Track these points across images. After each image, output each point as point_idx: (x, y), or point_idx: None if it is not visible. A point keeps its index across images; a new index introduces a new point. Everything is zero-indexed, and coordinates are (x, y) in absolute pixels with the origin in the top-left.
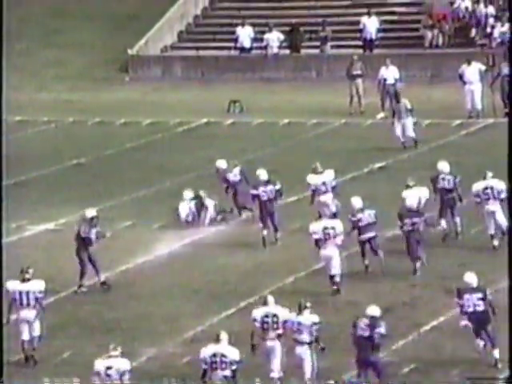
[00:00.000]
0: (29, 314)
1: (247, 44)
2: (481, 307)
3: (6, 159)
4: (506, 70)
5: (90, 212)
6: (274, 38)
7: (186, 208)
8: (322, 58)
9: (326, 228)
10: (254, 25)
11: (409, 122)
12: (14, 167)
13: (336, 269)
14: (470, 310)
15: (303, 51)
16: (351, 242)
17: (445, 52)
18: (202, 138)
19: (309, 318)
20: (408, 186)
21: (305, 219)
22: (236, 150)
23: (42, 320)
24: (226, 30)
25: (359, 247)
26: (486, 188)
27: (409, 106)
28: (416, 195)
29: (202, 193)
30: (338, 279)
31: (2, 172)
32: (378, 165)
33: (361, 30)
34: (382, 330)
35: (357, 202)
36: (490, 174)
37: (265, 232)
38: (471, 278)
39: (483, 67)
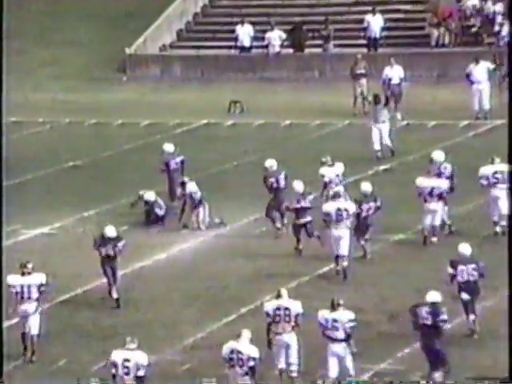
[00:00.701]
0: (29, 307)
1: (247, 43)
2: (474, 277)
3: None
4: None
5: (111, 231)
6: (276, 36)
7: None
8: (324, 57)
9: (339, 209)
10: (255, 23)
11: (385, 127)
12: (8, 169)
13: (344, 250)
14: (464, 279)
15: (306, 50)
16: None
17: (452, 51)
18: (202, 139)
19: (344, 314)
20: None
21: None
22: (237, 152)
23: (41, 316)
24: (227, 28)
25: (293, 231)
26: (496, 172)
27: (399, 117)
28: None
29: (145, 194)
30: (345, 263)
31: (2, 174)
32: (382, 167)
33: (365, 29)
34: (444, 316)
35: (299, 186)
36: (497, 160)
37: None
38: (466, 249)
39: (491, 66)
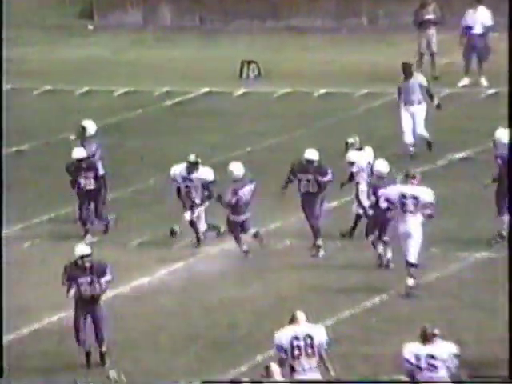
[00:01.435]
0: None
1: None
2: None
3: None
4: None
5: (83, 250)
6: None
7: None
8: None
9: (404, 196)
10: None
11: (420, 111)
12: None
13: (413, 255)
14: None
15: None
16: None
17: None
18: (201, 115)
19: (444, 348)
20: None
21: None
22: (251, 134)
23: None
24: None
25: (228, 229)
26: None
27: (424, 84)
28: None
29: None
30: (411, 282)
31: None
32: (458, 155)
33: None
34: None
35: (238, 170)
36: None
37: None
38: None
39: None
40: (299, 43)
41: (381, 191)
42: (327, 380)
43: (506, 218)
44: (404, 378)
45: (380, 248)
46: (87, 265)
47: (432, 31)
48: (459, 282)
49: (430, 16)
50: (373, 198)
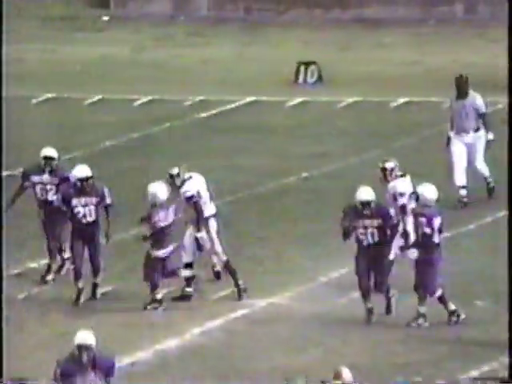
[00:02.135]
0: None
1: None
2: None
3: None
4: None
5: (85, 338)
6: None
7: None
8: None
9: None
10: None
11: (478, 140)
12: None
13: None
14: None
15: None
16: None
17: None
18: (245, 131)
19: None
20: None
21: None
22: (308, 156)
23: None
24: None
25: (151, 269)
26: None
27: (481, 107)
28: None
29: None
30: None
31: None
32: None
33: None
34: None
35: (160, 191)
36: None
37: None
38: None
39: None
40: (372, 39)
41: None
42: None
43: None
44: None
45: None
46: (85, 359)
47: None
48: None
49: None
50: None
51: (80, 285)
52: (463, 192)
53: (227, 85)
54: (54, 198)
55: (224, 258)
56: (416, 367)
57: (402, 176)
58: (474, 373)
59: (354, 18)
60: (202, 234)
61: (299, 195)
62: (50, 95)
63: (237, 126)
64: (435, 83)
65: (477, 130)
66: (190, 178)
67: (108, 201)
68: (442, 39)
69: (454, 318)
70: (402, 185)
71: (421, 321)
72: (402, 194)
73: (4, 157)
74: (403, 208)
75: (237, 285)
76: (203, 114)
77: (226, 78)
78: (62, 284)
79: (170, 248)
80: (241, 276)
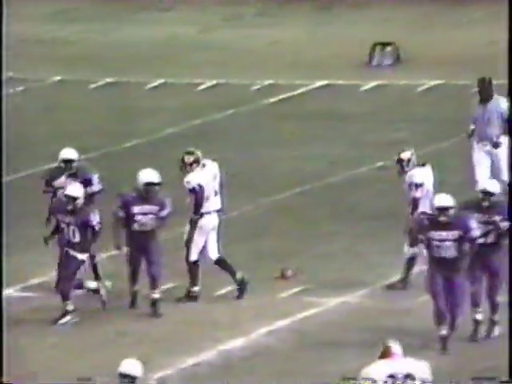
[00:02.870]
0: None
1: None
2: None
3: None
4: None
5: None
6: None
7: None
8: None
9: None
10: None
11: (502, 150)
12: None
13: None
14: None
15: None
16: None
17: None
18: (315, 118)
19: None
20: None
21: None
22: (383, 144)
23: None
24: None
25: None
26: None
27: (505, 111)
28: None
29: None
30: None
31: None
32: None
33: None
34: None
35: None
36: None
37: None
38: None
39: None
40: (453, 18)
41: None
42: None
43: None
44: None
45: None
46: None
47: None
48: None
49: None
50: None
51: (135, 288)
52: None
53: (297, 68)
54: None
55: (214, 256)
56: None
57: (421, 165)
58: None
59: None
60: (187, 228)
61: (373, 186)
62: (108, 79)
63: (307, 113)
64: None
65: (500, 137)
66: (203, 166)
67: (165, 212)
68: None
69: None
70: (420, 174)
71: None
72: (418, 185)
73: (59, 143)
74: (415, 201)
75: (236, 282)
76: (271, 100)
77: (297, 61)
78: (122, 281)
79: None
80: (309, 273)
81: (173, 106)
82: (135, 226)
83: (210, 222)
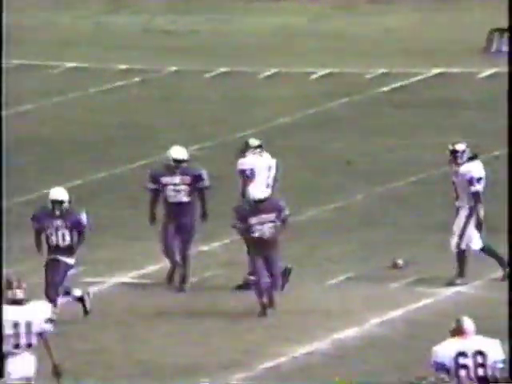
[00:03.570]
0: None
1: None
2: None
3: None
4: None
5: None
6: None
7: None
8: None
9: None
10: None
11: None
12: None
13: None
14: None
15: None
16: None
17: None
18: (432, 106)
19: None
20: None
21: None
22: (501, 132)
23: None
24: None
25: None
26: None
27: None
28: None
29: None
30: None
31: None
32: None
33: None
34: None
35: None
36: None
37: None
38: None
39: None
40: None
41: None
42: None
43: None
44: None
45: None
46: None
47: None
48: None
49: None
50: None
51: (175, 258)
52: None
53: (412, 55)
54: (186, 199)
55: None
56: None
57: (472, 159)
58: None
59: None
60: None
61: (490, 175)
62: (223, 69)
63: (422, 101)
64: None
65: None
66: (261, 155)
67: (206, 183)
68: None
69: None
70: (479, 169)
71: None
72: (479, 180)
73: (174, 133)
74: (477, 195)
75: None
76: (385, 88)
77: (411, 48)
78: (232, 271)
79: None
80: (422, 263)
81: (286, 95)
82: (170, 197)
83: None
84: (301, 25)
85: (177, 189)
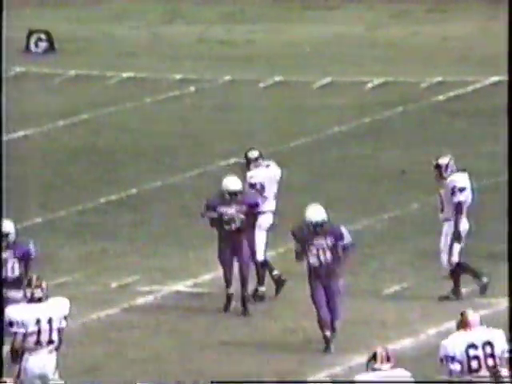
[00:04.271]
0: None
1: None
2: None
3: None
4: None
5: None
6: None
7: None
8: None
9: None
10: None
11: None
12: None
13: None
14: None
15: None
16: None
17: None
18: (487, 114)
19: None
20: None
21: None
22: None
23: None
24: None
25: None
26: None
27: None
28: None
29: None
30: None
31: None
32: None
33: None
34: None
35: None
36: None
37: None
38: None
39: None
40: None
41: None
42: None
43: None
44: None
45: None
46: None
47: None
48: None
49: None
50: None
51: (230, 291)
52: None
53: (468, 64)
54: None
55: (261, 257)
56: None
57: (462, 171)
58: None
59: None
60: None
61: None
62: (278, 78)
63: (478, 110)
64: None
65: None
66: (268, 166)
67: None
68: None
69: None
70: (463, 179)
71: None
72: (461, 190)
73: (228, 143)
74: (459, 205)
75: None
76: (441, 97)
77: (468, 57)
78: (288, 280)
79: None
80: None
81: (341, 104)
82: (227, 226)
83: (266, 220)
84: (356, 33)
85: (234, 218)
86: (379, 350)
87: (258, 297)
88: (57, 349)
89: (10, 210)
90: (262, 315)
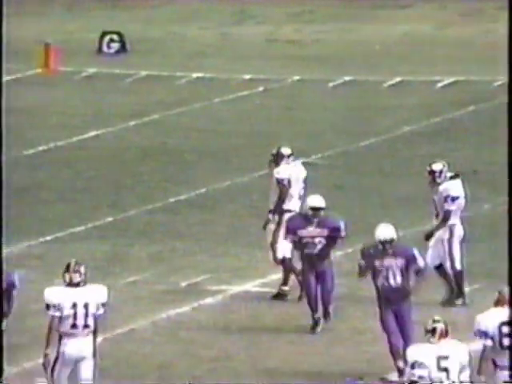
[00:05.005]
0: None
1: None
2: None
3: None
4: None
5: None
6: None
7: None
8: None
9: None
10: None
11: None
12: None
13: None
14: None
15: None
16: None
17: None
18: None
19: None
20: None
21: None
22: None
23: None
24: None
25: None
26: None
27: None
28: None
29: None
30: None
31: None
32: None
33: None
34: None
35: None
36: None
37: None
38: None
39: None
40: None
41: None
42: None
43: None
44: None
45: None
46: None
47: None
48: None
49: None
50: None
51: (316, 316)
52: None
53: None
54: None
55: (281, 255)
56: None
57: (453, 178)
58: None
59: None
60: (270, 227)
61: None
62: (347, 78)
63: None
64: None
65: None
66: (295, 165)
67: (342, 234)
68: None
69: None
70: (457, 188)
71: None
72: (454, 199)
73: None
74: (447, 213)
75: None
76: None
77: None
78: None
79: None
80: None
81: (411, 103)
82: (307, 249)
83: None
84: (427, 32)
85: (314, 242)
86: (439, 326)
87: (281, 296)
88: (94, 333)
89: (81, 209)
90: (333, 315)
